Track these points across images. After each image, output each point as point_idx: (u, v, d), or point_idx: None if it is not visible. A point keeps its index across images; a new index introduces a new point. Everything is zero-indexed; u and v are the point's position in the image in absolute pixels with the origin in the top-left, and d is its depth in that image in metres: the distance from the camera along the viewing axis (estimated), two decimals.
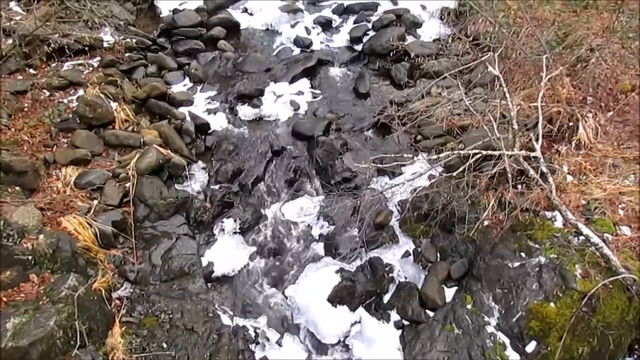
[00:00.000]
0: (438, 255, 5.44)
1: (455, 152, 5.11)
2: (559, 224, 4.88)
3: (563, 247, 4.63)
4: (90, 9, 7.23)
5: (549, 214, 4.99)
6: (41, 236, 4.82)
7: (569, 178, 5.30)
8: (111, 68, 7.52)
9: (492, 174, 5.03)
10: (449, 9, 8.95)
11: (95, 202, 5.65)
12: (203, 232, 5.88)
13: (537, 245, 4.75)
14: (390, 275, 5.42)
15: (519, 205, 4.98)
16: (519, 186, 5.21)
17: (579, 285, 4.35)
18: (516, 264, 4.72)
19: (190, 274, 5.36)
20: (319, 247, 5.83)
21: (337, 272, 5.32)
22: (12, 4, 7.85)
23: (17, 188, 5.51)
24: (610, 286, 4.28)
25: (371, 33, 8.72)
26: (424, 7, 9.13)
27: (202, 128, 6.96)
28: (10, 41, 7.04)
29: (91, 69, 7.49)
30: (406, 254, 5.61)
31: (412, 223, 5.70)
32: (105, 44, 7.93)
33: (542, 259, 4.61)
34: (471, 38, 7.62)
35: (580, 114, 5.69)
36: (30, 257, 4.70)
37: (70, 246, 4.94)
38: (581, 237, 4.60)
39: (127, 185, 5.83)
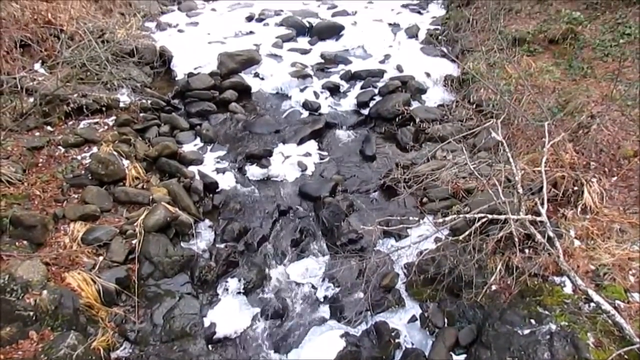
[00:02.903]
0: (446, 320, 5.31)
1: (461, 215, 5.14)
2: (568, 289, 4.80)
3: (574, 314, 4.53)
4: (110, 71, 7.58)
5: (557, 280, 4.91)
6: (45, 292, 4.79)
7: (577, 243, 5.26)
8: (125, 127, 7.76)
9: (499, 238, 5.02)
10: (452, 76, 9.31)
11: (101, 258, 5.63)
12: (207, 292, 5.80)
13: (547, 312, 4.64)
14: (397, 340, 5.26)
15: (526, 270, 4.92)
16: (526, 250, 5.17)
17: (593, 355, 4.20)
18: (526, 331, 4.58)
19: (191, 334, 5.23)
20: (323, 310, 5.71)
21: (341, 336, 5.18)
22: (37, 66, 8.27)
23: (25, 242, 5.53)
24: (626, 356, 4.13)
25: (377, 98, 9.02)
26: (428, 75, 9.48)
27: (211, 187, 7.07)
28: (31, 100, 7.37)
29: (106, 127, 7.74)
30: (413, 319, 5.48)
31: (418, 286, 5.62)
32: (121, 104, 8.23)
33: (553, 327, 4.49)
34: (474, 105, 7.86)
35: (584, 178, 5.75)
36: (31, 313, 4.65)
37: (73, 303, 4.89)
38: (592, 304, 4.50)
39: (134, 242, 5.85)
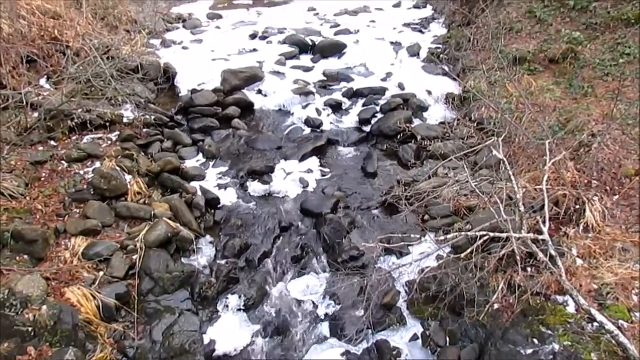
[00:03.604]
0: (447, 339, 5.26)
1: (463, 233, 5.12)
2: (571, 309, 4.76)
3: (577, 334, 4.48)
4: (115, 87, 7.66)
5: (560, 299, 4.88)
6: (44, 307, 4.76)
7: (579, 262, 5.24)
8: (129, 142, 7.80)
9: (501, 256, 4.99)
10: (453, 94, 9.36)
11: (101, 273, 5.62)
12: (207, 308, 5.77)
13: (550, 332, 4.60)
14: (398, 359, 5.21)
15: (529, 289, 4.88)
16: (529, 269, 5.14)
17: None
18: (529, 351, 4.53)
19: (191, 352, 5.18)
20: (324, 328, 5.67)
21: (342, 354, 5.15)
22: (43, 81, 8.36)
23: (26, 257, 5.52)
24: None
25: (379, 116, 9.08)
26: (429, 93, 9.55)
27: (212, 203, 7.07)
28: (36, 115, 7.43)
29: (110, 142, 7.79)
30: (414, 337, 5.42)
31: (420, 305, 5.57)
32: (125, 120, 8.29)
33: (556, 346, 4.44)
34: (475, 123, 7.89)
35: (586, 197, 5.74)
36: (30, 329, 4.61)
37: (72, 319, 4.86)
38: (595, 324, 4.46)
39: (134, 257, 5.83)
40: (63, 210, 6.35)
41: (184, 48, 11.65)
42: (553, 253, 4.94)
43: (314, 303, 5.89)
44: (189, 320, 5.46)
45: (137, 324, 5.34)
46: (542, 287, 4.91)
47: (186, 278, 5.88)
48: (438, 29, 12.96)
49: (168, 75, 9.83)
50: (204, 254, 6.40)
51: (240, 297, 5.83)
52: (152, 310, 5.56)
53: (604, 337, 4.34)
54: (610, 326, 4.29)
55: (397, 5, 15.42)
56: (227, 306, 5.78)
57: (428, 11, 14.50)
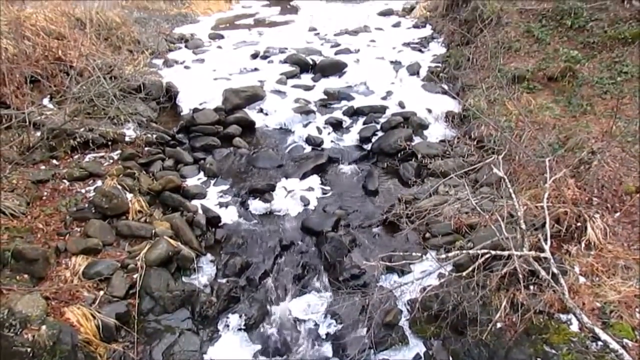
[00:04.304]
0: (450, 359, 5.20)
1: (464, 251, 5.11)
2: (574, 327, 4.73)
3: (581, 353, 4.45)
4: (117, 107, 7.74)
5: (563, 317, 4.85)
6: (43, 327, 4.74)
7: (581, 279, 5.22)
8: (130, 161, 7.84)
9: (503, 274, 4.97)
10: (453, 112, 9.40)
11: (101, 292, 5.60)
12: (207, 328, 5.72)
13: (553, 351, 4.56)
14: None
15: (532, 307, 4.85)
16: (531, 287, 5.11)
17: None
18: None
19: None
20: (326, 347, 5.61)
21: None
22: (45, 101, 8.45)
23: (26, 276, 5.51)
24: None
25: (380, 134, 9.11)
26: (429, 111, 9.60)
27: (213, 221, 7.06)
28: (38, 134, 7.49)
29: (111, 161, 7.83)
30: (417, 357, 5.37)
31: (422, 323, 5.52)
32: (127, 139, 8.33)
33: None
34: (475, 141, 7.93)
35: (587, 214, 5.74)
36: (29, 349, 4.59)
37: (71, 339, 4.83)
38: (599, 343, 4.42)
39: (135, 276, 5.81)
40: (64, 228, 6.36)
41: (186, 67, 11.76)
42: (555, 271, 4.91)
43: (315, 322, 5.85)
44: (189, 339, 5.43)
45: (137, 343, 5.30)
46: (544, 305, 4.88)
47: (187, 297, 5.85)
48: (437, 48, 13.09)
49: (170, 94, 9.91)
50: (205, 273, 6.37)
51: (241, 316, 5.78)
52: (152, 329, 5.53)
53: (608, 356, 4.31)
54: (614, 345, 4.25)
55: (397, 25, 15.62)
56: (228, 325, 5.74)
57: (427, 30, 14.66)
